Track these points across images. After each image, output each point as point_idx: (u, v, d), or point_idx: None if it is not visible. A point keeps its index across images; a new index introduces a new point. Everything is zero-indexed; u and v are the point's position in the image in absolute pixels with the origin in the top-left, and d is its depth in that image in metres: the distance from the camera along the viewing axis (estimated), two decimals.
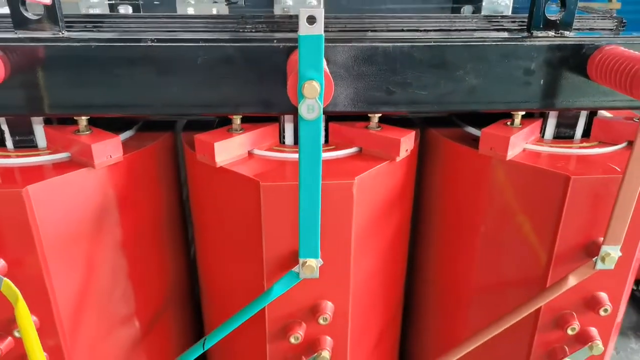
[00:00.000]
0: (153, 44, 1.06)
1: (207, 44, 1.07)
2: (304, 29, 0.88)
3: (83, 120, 1.16)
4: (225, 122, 1.24)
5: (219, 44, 1.08)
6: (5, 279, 1.05)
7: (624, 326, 2.75)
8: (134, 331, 1.34)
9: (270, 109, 1.14)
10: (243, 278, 1.23)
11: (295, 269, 1.11)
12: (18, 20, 1.08)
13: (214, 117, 1.38)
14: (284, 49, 1.08)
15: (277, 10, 1.60)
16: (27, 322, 1.03)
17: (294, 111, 1.12)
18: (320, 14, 0.87)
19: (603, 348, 1.24)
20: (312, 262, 1.09)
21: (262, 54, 1.08)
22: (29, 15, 1.08)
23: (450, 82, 1.13)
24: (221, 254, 1.28)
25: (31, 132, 1.21)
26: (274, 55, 1.08)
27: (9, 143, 1.21)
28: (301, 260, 1.09)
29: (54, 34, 1.09)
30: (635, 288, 2.81)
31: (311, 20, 0.87)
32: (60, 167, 1.14)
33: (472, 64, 1.12)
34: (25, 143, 1.21)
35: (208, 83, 1.10)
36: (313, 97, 0.92)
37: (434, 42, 1.11)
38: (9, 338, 1.16)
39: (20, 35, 1.08)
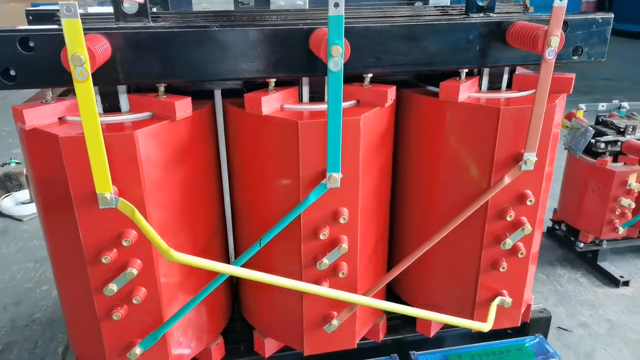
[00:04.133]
0: (217, 29, 1.53)
1: (255, 28, 1.55)
2: (332, 11, 1.38)
3: (162, 87, 1.60)
4: (250, 90, 1.71)
5: (263, 28, 1.55)
6: (121, 198, 1.48)
7: (552, 258, 3.42)
8: (198, 246, 1.77)
9: (297, 72, 1.63)
10: (282, 196, 1.70)
11: (324, 181, 1.60)
12: (118, 15, 1.52)
13: (241, 87, 1.87)
14: (307, 30, 1.57)
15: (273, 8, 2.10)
16: (144, 224, 1.46)
17: (313, 73, 1.63)
18: (342, 1, 1.38)
19: (531, 229, 1.81)
20: (336, 175, 1.59)
21: (292, 33, 1.57)
22: (126, 10, 1.52)
23: (418, 49, 1.67)
24: (263, 182, 1.73)
25: (117, 99, 1.63)
26: (300, 35, 1.57)
27: (99, 108, 1.63)
28: (328, 174, 1.59)
29: (144, 24, 1.53)
30: (557, 227, 3.50)
31: (336, 5, 1.38)
32: (149, 121, 1.57)
33: (432, 37, 1.67)
34: (112, 107, 1.63)
35: (255, 55, 1.57)
36: (337, 55, 1.42)
37: (406, 23, 1.65)
38: (114, 250, 1.58)
39: (120, 25, 1.51)
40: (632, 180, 2.93)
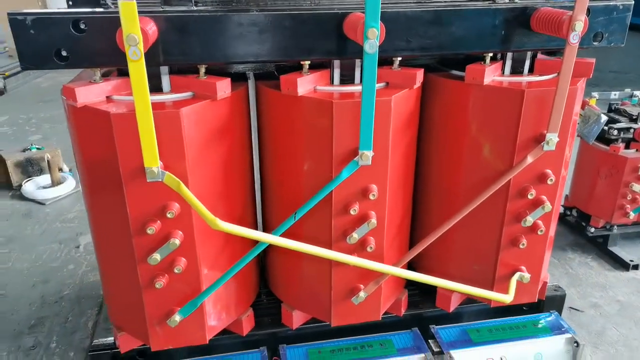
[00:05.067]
0: (257, 12, 1.61)
1: (292, 12, 1.63)
2: None
3: (203, 68, 1.68)
4: (280, 73, 1.78)
5: (299, 12, 1.63)
6: (167, 172, 1.56)
7: (563, 243, 3.50)
8: (233, 220, 1.85)
9: (331, 55, 1.72)
10: (315, 173, 1.78)
11: (356, 159, 1.69)
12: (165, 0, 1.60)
13: (272, 70, 1.96)
14: (342, 15, 1.65)
15: None
16: (190, 196, 1.55)
17: (345, 56, 1.71)
18: None
19: (551, 207, 1.90)
20: (367, 153, 1.67)
21: (327, 18, 1.65)
22: None
23: (446, 34, 1.75)
24: (297, 160, 1.81)
25: (159, 79, 1.71)
26: (335, 18, 1.65)
27: None
28: (360, 152, 1.67)
29: (188, 8, 1.62)
30: (569, 213, 3.58)
31: None
32: (191, 100, 1.66)
33: (459, 22, 1.74)
34: (154, 88, 1.70)
35: (292, 38, 1.65)
36: (373, 38, 1.50)
37: (435, 8, 1.72)
38: (158, 221, 1.67)
39: (166, 9, 1.59)
40: None
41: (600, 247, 3.41)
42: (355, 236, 1.81)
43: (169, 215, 1.64)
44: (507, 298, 1.97)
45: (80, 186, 1.86)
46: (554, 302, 2.37)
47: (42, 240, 3.60)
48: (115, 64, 1.63)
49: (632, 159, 3.02)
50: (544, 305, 2.36)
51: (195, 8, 1.62)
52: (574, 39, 1.62)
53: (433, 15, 1.72)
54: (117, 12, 1.52)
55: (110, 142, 1.57)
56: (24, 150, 4.52)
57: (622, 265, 3.25)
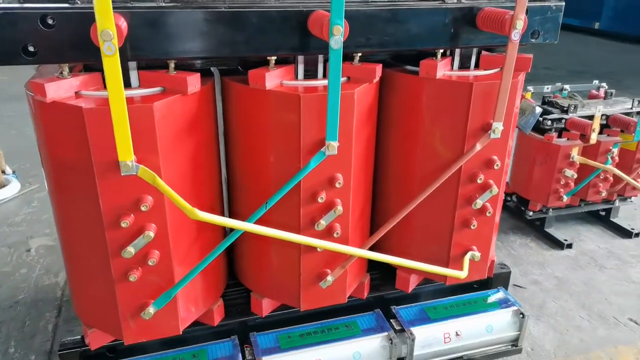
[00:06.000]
0: (225, 9, 1.67)
1: (259, 9, 1.70)
2: None
3: (172, 63, 1.72)
4: (245, 68, 1.86)
5: (267, 9, 1.71)
6: (141, 166, 1.60)
7: (505, 227, 3.77)
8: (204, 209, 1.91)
9: (296, 50, 1.80)
10: (284, 163, 1.86)
11: (322, 149, 1.79)
12: None
13: (235, 66, 2.02)
14: (306, 12, 1.74)
15: None
16: (166, 189, 1.59)
17: (309, 52, 1.81)
18: None
19: (498, 190, 2.08)
20: (334, 143, 1.77)
21: (292, 15, 1.74)
22: None
23: (402, 31, 1.88)
24: (266, 151, 1.89)
25: (127, 75, 1.74)
26: (300, 16, 1.74)
27: None
28: (327, 143, 1.77)
29: (157, 4, 1.65)
30: (509, 199, 3.85)
31: None
32: (162, 95, 1.69)
33: (414, 20, 1.88)
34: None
35: (259, 34, 1.73)
36: (338, 34, 1.60)
37: (392, 7, 1.85)
38: (132, 215, 1.70)
39: (135, 5, 1.62)
40: (574, 153, 3.30)
41: (538, 229, 3.71)
42: (323, 223, 1.91)
43: (142, 209, 1.68)
44: (462, 274, 2.14)
45: (46, 183, 1.85)
46: (500, 279, 2.57)
47: None
48: (84, 59, 1.64)
49: (564, 147, 3.30)
50: (492, 283, 2.56)
51: (164, 4, 1.66)
52: (515, 36, 1.79)
53: (391, 14, 1.84)
54: (87, 8, 1.55)
55: (83, 138, 1.58)
56: None
57: (557, 244, 3.55)
